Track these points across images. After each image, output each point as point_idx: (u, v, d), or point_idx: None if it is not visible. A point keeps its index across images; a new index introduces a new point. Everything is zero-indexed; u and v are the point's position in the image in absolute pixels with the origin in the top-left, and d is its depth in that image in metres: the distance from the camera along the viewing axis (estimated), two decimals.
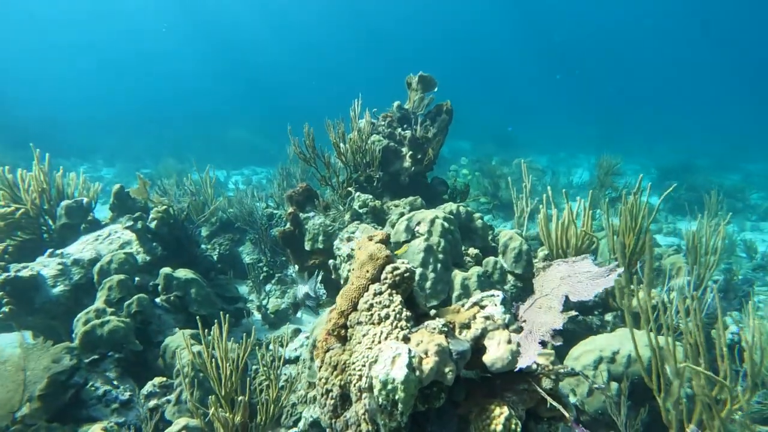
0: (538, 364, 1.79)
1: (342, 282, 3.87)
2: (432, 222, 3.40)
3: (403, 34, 55.57)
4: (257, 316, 5.27)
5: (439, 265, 3.28)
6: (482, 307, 1.86)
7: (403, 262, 1.85)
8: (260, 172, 15.51)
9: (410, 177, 5.08)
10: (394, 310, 1.74)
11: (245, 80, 50.12)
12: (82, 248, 4.66)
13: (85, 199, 5.13)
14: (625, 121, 26.31)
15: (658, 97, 42.06)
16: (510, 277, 3.69)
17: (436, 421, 1.83)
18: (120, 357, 3.34)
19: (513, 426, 1.62)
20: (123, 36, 48.37)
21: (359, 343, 1.72)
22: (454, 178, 7.47)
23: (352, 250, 3.56)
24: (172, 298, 3.95)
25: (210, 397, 2.45)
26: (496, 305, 1.82)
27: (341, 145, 4.41)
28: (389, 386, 1.52)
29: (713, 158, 16.85)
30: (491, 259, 3.51)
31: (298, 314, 5.40)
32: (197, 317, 3.95)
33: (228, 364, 2.51)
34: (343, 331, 1.84)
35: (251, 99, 39.06)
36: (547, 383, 1.78)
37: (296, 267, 3.85)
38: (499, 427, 1.61)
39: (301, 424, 2.93)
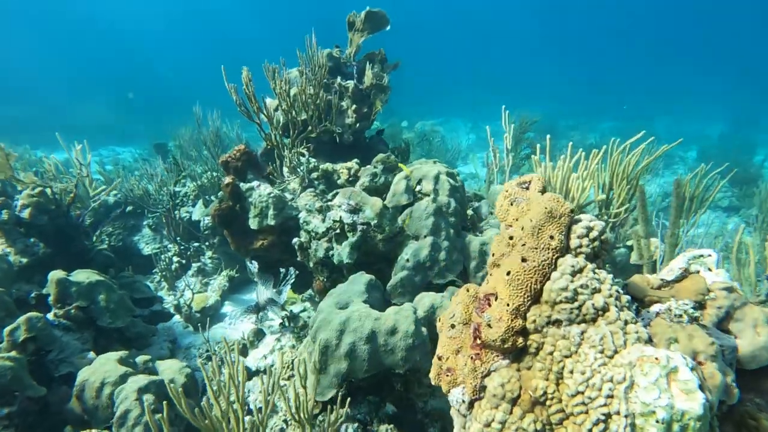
0: None
1: (313, 264, 3.09)
2: (436, 179, 2.78)
3: None
4: (177, 318, 4.21)
5: (452, 231, 2.68)
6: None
7: (592, 220, 1.20)
8: (122, 152, 13.28)
9: (353, 135, 4.37)
10: (611, 295, 1.11)
11: (95, 50, 42.76)
12: None
13: None
14: (490, 86, 27.61)
15: (516, 63, 45.37)
16: None
17: None
18: (12, 411, 2.23)
19: None
20: None
21: (570, 356, 1.06)
22: None
23: (335, 222, 2.79)
24: (72, 311, 2.82)
25: None
26: (711, 269, 1.27)
27: (287, 92, 3.51)
28: (676, 426, 0.91)
29: (572, 119, 18.45)
30: None
31: (225, 309, 4.46)
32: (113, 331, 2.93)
33: (242, 411, 1.70)
34: (519, 339, 1.17)
35: (102, 71, 33.15)
36: None
37: (253, 262, 2.97)
38: None
39: None
